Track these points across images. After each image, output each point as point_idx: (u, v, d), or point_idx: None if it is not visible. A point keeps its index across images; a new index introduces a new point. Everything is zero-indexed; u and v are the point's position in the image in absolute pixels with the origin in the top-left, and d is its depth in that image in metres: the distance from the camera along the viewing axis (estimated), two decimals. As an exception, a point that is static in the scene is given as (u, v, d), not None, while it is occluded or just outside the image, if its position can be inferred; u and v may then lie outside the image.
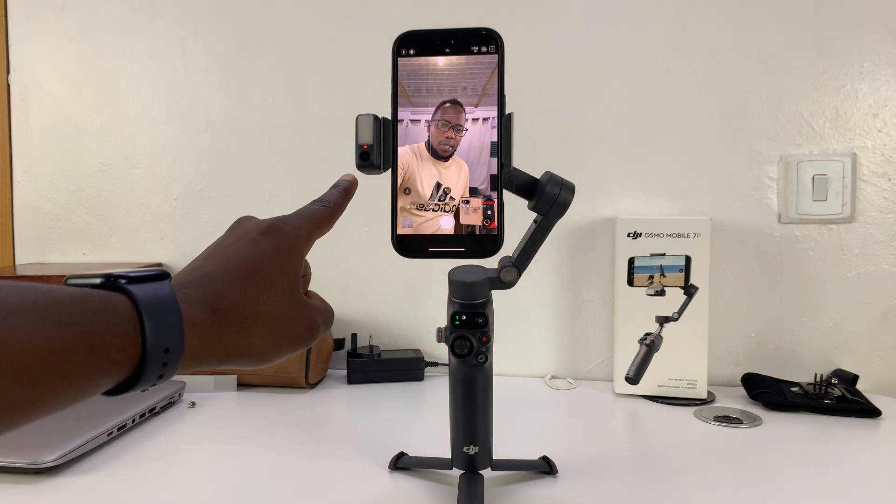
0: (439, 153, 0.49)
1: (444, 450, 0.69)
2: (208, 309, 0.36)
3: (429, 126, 0.49)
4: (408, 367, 0.95)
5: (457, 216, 0.48)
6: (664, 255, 0.85)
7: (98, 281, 0.33)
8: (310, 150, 1.02)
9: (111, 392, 0.33)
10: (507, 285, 0.53)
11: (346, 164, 1.01)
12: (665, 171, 0.93)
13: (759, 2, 0.89)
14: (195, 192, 1.06)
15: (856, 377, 0.86)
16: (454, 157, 0.49)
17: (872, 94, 0.88)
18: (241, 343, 0.37)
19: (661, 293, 0.85)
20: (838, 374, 0.88)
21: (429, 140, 0.49)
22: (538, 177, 0.53)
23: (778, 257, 0.91)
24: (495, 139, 0.49)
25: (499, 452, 0.68)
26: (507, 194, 0.50)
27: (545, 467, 0.63)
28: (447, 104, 0.49)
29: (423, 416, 0.80)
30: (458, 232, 0.48)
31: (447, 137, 0.49)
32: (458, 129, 0.49)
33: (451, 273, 0.54)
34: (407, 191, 0.49)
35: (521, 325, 0.98)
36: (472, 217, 0.48)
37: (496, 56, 0.49)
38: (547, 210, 0.51)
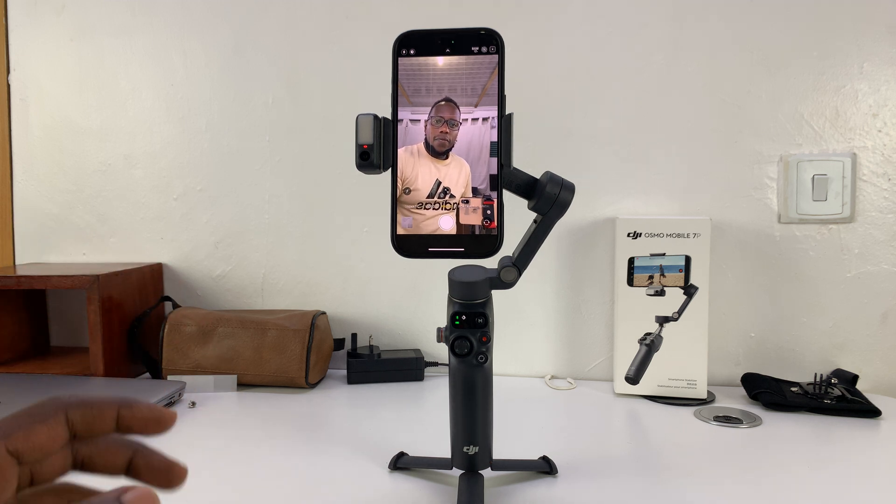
0: (436, 149, 0.49)
1: (444, 450, 0.69)
2: None
3: (426, 125, 0.49)
4: (408, 367, 0.95)
5: (457, 216, 0.48)
6: (664, 255, 0.85)
7: None
8: (310, 150, 1.02)
9: None
10: (507, 285, 0.53)
11: (347, 164, 1.01)
12: (665, 171, 0.93)
13: (759, 2, 0.89)
14: (195, 192, 1.06)
15: (856, 377, 0.86)
16: (454, 155, 0.49)
17: (872, 94, 0.88)
18: None
19: (661, 293, 0.85)
20: (838, 374, 0.88)
21: (426, 138, 0.49)
22: (538, 177, 0.53)
23: (778, 257, 0.91)
24: (495, 139, 0.49)
25: (499, 452, 0.69)
26: (507, 194, 0.50)
27: (545, 467, 0.63)
28: (441, 102, 0.49)
29: (423, 416, 0.80)
30: (458, 232, 0.48)
31: (442, 132, 0.49)
32: (451, 123, 0.49)
33: (451, 273, 0.54)
34: (407, 191, 0.49)
35: (521, 325, 0.98)
36: (472, 217, 0.48)
37: (496, 56, 0.49)
38: (547, 210, 0.51)
